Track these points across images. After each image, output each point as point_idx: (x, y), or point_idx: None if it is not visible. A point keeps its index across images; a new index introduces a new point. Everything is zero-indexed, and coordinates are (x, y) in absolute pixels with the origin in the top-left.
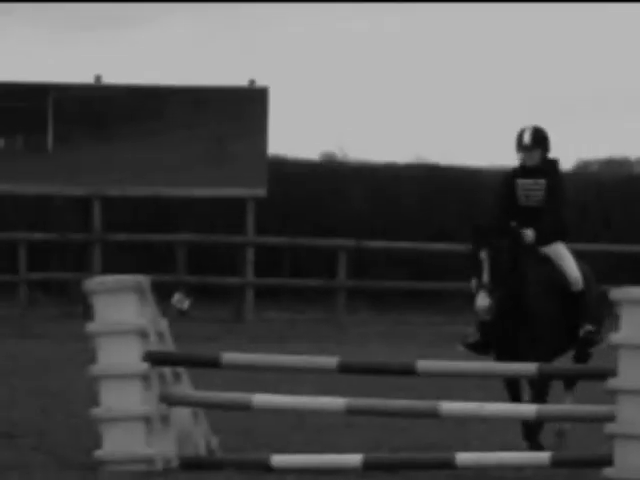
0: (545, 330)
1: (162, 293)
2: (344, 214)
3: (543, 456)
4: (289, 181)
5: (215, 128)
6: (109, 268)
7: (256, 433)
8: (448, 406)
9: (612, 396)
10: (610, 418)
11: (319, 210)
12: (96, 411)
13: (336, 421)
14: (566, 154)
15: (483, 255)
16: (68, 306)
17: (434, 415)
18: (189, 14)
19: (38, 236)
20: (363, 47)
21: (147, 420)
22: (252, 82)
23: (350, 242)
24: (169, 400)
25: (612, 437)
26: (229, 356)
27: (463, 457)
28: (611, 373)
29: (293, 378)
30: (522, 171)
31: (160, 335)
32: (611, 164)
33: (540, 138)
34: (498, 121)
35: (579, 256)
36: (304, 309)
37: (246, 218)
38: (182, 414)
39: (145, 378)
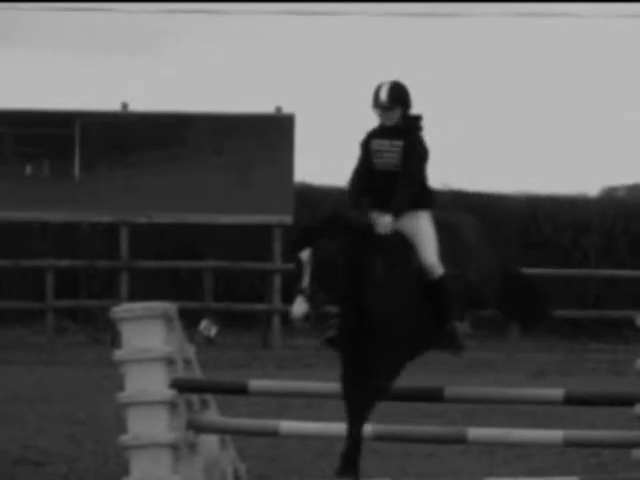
0: (394, 341)
1: (189, 320)
2: None
3: None
4: (315, 208)
5: (241, 155)
6: (136, 295)
7: (283, 460)
8: (475, 432)
9: (639, 422)
10: (637, 444)
11: None
12: (124, 438)
13: (363, 447)
14: (592, 180)
15: (304, 256)
16: (95, 333)
17: (461, 441)
18: (215, 41)
19: (65, 263)
20: (388, 73)
21: (174, 447)
22: (279, 109)
23: None
24: (196, 427)
25: (639, 463)
26: (256, 383)
27: None
28: (638, 399)
29: (320, 404)
30: (379, 131)
31: (187, 362)
32: (638, 189)
33: (399, 95)
34: (523, 147)
35: (609, 282)
36: None
37: (273, 245)
38: (209, 441)
39: (172, 405)
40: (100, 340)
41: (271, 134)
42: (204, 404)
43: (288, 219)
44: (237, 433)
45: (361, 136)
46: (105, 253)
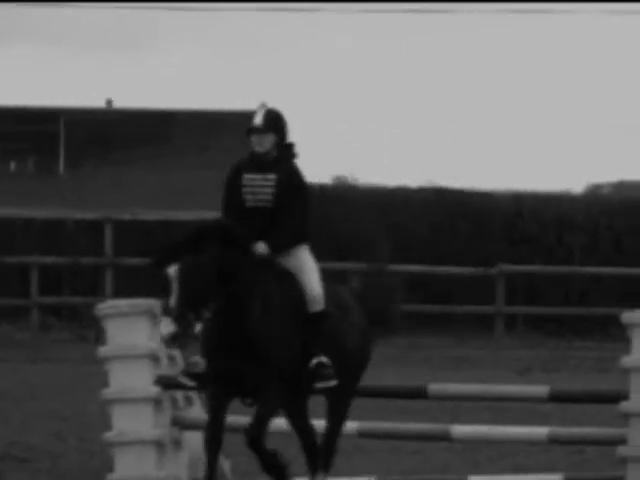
0: (276, 361)
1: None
2: (355, 238)
3: (555, 479)
4: None
5: (227, 152)
6: (121, 292)
7: None
8: (459, 429)
9: (624, 419)
10: (622, 441)
11: (330, 234)
12: (108, 435)
13: (348, 444)
14: (577, 177)
15: (172, 273)
16: (80, 330)
17: (445, 438)
18: (200, 37)
19: (50, 260)
20: (374, 71)
21: (159, 444)
22: (263, 106)
23: (362, 266)
24: (181, 424)
25: (624, 460)
26: None
27: None
28: (623, 396)
29: None
30: (250, 163)
31: (172, 359)
32: (622, 187)
33: (274, 121)
34: (508, 144)
35: (594, 280)
36: None
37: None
38: (194, 438)
39: (157, 402)
40: (85, 337)
41: None
42: (188, 401)
43: None
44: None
45: (343, 133)
46: (90, 250)
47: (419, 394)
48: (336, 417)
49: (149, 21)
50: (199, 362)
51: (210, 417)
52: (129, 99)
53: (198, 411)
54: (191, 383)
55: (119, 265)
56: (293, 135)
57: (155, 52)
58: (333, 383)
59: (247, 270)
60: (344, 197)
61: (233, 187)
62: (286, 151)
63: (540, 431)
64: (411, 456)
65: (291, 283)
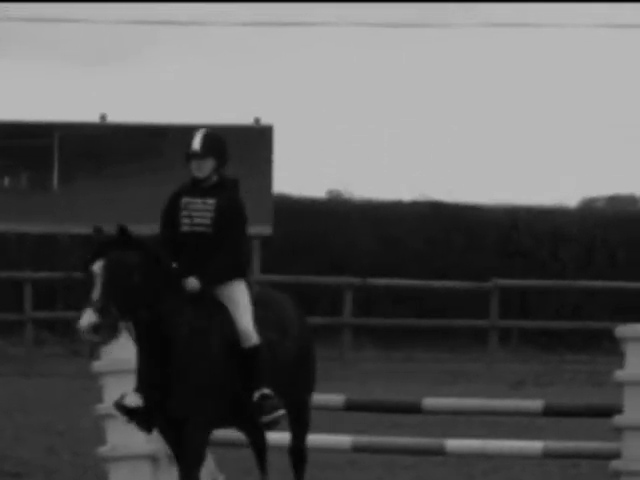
0: (202, 391)
1: None
2: (350, 252)
3: None
4: (294, 219)
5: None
6: None
7: None
8: (453, 443)
9: (618, 433)
10: (616, 455)
11: (324, 248)
12: (102, 450)
13: (342, 458)
14: (572, 191)
15: (96, 268)
16: (74, 345)
17: (439, 452)
18: (194, 52)
19: (43, 275)
20: (367, 85)
21: (153, 458)
22: (257, 120)
23: (355, 280)
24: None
25: (617, 474)
26: None
27: None
28: (617, 410)
29: None
30: (190, 188)
31: None
32: (616, 201)
33: (214, 145)
34: (501, 158)
35: (588, 293)
36: None
37: (252, 256)
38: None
39: None
40: (78, 352)
41: (250, 145)
42: None
43: (267, 230)
44: (216, 444)
45: (336, 147)
46: (83, 265)
47: (413, 408)
48: (299, 430)
49: (143, 36)
50: (129, 395)
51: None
52: (123, 114)
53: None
54: (124, 417)
55: None
56: (289, 149)
57: (149, 67)
58: (280, 413)
59: (175, 298)
60: (338, 211)
61: (171, 211)
62: (229, 182)
63: (534, 445)
64: (405, 471)
65: (223, 317)
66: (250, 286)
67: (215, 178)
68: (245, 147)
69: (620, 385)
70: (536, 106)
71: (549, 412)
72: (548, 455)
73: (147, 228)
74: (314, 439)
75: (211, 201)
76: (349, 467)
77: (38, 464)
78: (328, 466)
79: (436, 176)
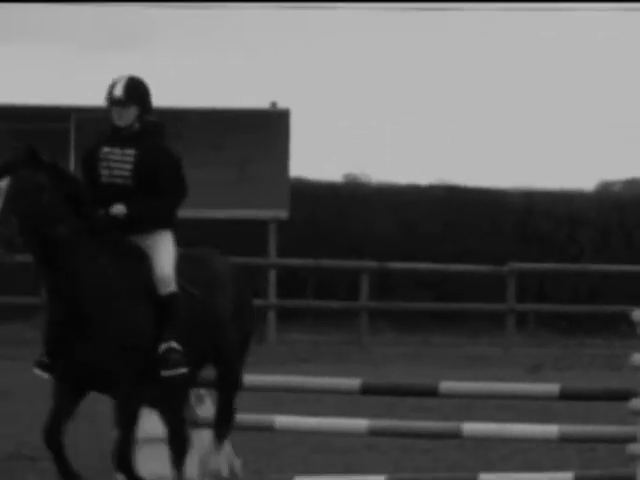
0: (118, 348)
1: None
2: (366, 235)
3: (566, 476)
4: (311, 203)
5: (237, 150)
6: None
7: (279, 455)
8: (470, 427)
9: (635, 417)
10: (632, 439)
11: (341, 232)
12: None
13: (358, 442)
14: (589, 175)
15: (2, 185)
16: None
17: (456, 436)
18: (211, 35)
19: None
20: (385, 68)
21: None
22: (274, 104)
23: (373, 264)
24: (192, 422)
25: (634, 458)
26: (251, 378)
27: (486, 478)
28: (634, 394)
29: (316, 400)
30: (111, 136)
31: None
32: (634, 184)
33: (137, 92)
34: (518, 142)
35: (605, 277)
36: (327, 331)
37: (268, 240)
38: (204, 436)
39: None
40: None
41: (266, 129)
42: (199, 399)
43: (284, 214)
44: (233, 428)
45: (353, 131)
46: None
47: (430, 392)
48: (227, 389)
49: (160, 19)
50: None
51: (49, 416)
52: None
53: (209, 409)
54: (45, 375)
55: None
56: (306, 133)
57: (166, 50)
58: (182, 370)
59: (87, 238)
60: (355, 195)
61: (90, 162)
62: (152, 127)
63: (551, 429)
64: (422, 454)
65: (140, 262)
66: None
67: (137, 126)
68: (262, 131)
69: (637, 369)
70: (554, 90)
71: (566, 396)
72: (565, 439)
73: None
74: (331, 423)
75: (130, 151)
76: (366, 451)
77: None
78: (345, 450)
79: (453, 160)
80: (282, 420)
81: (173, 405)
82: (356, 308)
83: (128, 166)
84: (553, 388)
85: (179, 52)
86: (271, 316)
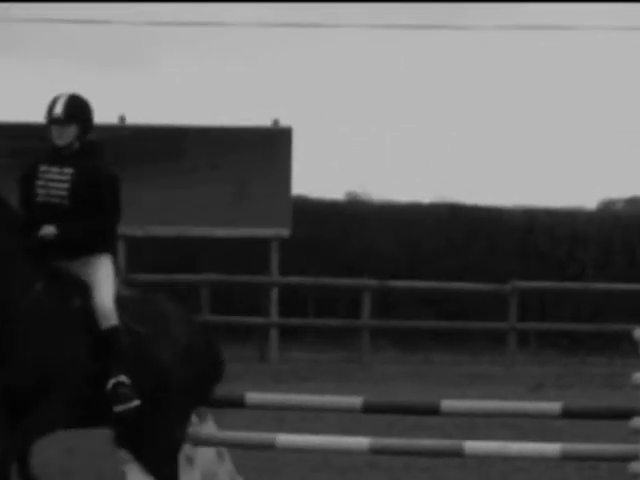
0: (37, 378)
1: None
2: (368, 254)
3: None
4: (313, 221)
5: (239, 168)
6: None
7: (280, 473)
8: (472, 445)
9: (636, 435)
10: (634, 457)
11: (343, 250)
12: (121, 452)
13: (360, 461)
14: (590, 193)
15: None
16: None
17: (458, 454)
18: (213, 53)
19: None
20: (386, 87)
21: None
22: (276, 122)
23: (374, 282)
24: (194, 440)
25: (636, 476)
26: (253, 396)
27: None
28: (635, 412)
29: (317, 418)
30: (50, 155)
31: None
32: (635, 203)
33: (77, 110)
34: (520, 160)
35: (607, 295)
36: (328, 349)
37: (270, 258)
38: (207, 454)
39: None
40: None
41: (269, 147)
42: (201, 417)
43: (285, 232)
44: (234, 446)
45: (355, 149)
46: None
47: (432, 410)
48: (159, 447)
49: (162, 37)
50: None
51: None
52: (142, 115)
53: (211, 427)
54: None
55: (131, 281)
56: (306, 151)
57: (167, 68)
58: (135, 403)
59: (24, 262)
60: (357, 213)
61: (27, 180)
62: (91, 146)
63: (553, 447)
64: (423, 472)
65: (78, 292)
66: (117, 267)
67: (77, 145)
68: (264, 149)
69: (639, 387)
70: (555, 108)
71: (567, 414)
72: (567, 457)
73: (167, 229)
74: (332, 441)
75: (68, 170)
76: (368, 469)
77: (56, 466)
78: (346, 468)
79: (455, 178)
80: (283, 438)
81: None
82: (357, 326)
83: (65, 185)
84: (555, 406)
85: (181, 69)
86: (273, 334)
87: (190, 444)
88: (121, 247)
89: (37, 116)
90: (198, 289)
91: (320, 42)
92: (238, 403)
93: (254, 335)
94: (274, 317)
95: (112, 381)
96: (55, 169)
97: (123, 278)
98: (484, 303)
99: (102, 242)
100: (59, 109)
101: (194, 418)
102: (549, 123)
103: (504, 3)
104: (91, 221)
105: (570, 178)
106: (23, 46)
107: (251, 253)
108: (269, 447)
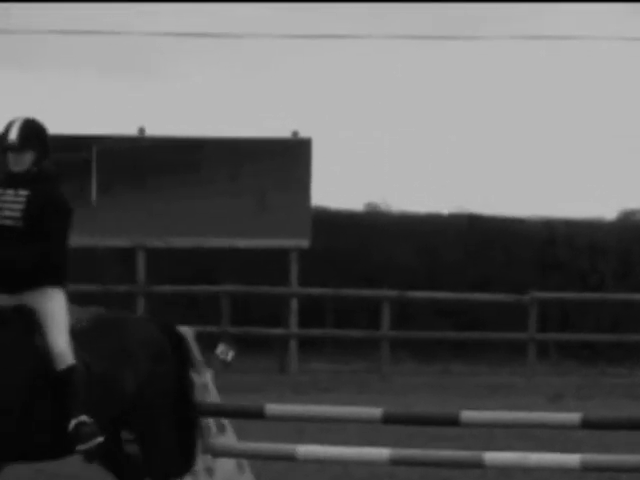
0: None
1: (206, 344)
2: (387, 265)
3: None
4: (332, 232)
5: (259, 179)
6: None
7: None
8: (492, 456)
9: None
10: None
11: (362, 261)
12: None
13: (380, 472)
14: (610, 203)
15: None
16: None
17: (478, 465)
18: (232, 64)
19: (82, 288)
20: (405, 98)
21: (192, 472)
22: (295, 133)
23: (393, 293)
24: (213, 451)
25: None
26: (273, 407)
27: None
28: None
29: (337, 429)
30: (6, 178)
31: (204, 386)
32: None
33: (33, 136)
34: (539, 171)
35: (627, 306)
36: (348, 360)
37: (289, 269)
38: (227, 465)
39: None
40: None
41: (288, 158)
42: (221, 428)
43: (305, 243)
44: (254, 457)
45: (375, 160)
46: (122, 278)
47: (452, 421)
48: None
49: (181, 48)
50: None
51: None
52: (161, 127)
53: (231, 438)
54: None
55: (151, 292)
56: (326, 162)
57: (187, 80)
58: (98, 440)
59: None
60: (376, 224)
61: None
62: (47, 171)
63: (573, 458)
64: None
65: (30, 333)
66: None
67: (34, 170)
68: (283, 160)
69: None
70: (575, 118)
71: (587, 425)
72: (586, 468)
73: (186, 241)
74: (352, 452)
75: (24, 192)
76: None
77: (71, 475)
78: (367, 479)
79: (474, 189)
80: (304, 449)
81: None
82: (377, 337)
83: (20, 206)
84: (574, 417)
85: (200, 81)
86: (293, 345)
87: (210, 455)
88: (141, 258)
89: (58, 127)
90: (218, 300)
91: (340, 53)
92: (258, 414)
93: (274, 346)
94: (294, 328)
95: (73, 422)
96: (10, 191)
97: (142, 289)
98: (503, 314)
99: (51, 272)
100: (14, 135)
101: (214, 429)
102: (569, 133)
103: (521, 13)
104: (36, 249)
105: (589, 188)
106: (42, 58)
107: (271, 264)
108: (289, 458)
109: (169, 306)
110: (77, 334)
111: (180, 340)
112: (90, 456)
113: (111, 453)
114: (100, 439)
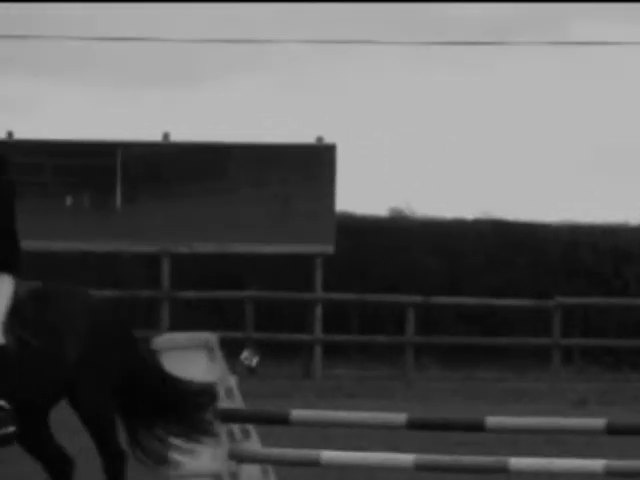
0: None
1: (230, 350)
2: (412, 270)
3: None
4: (357, 237)
5: (283, 185)
6: (177, 325)
7: None
8: (517, 462)
9: None
10: None
11: (387, 266)
12: (164, 468)
13: (405, 477)
14: (633, 208)
15: None
16: None
17: (503, 471)
18: (256, 70)
19: (106, 294)
20: (428, 103)
21: (217, 477)
22: (320, 139)
23: (418, 298)
24: (238, 457)
25: None
26: (298, 412)
27: None
28: None
29: (361, 434)
30: None
31: (229, 392)
32: None
33: None
34: (563, 176)
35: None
36: (372, 365)
37: (314, 275)
38: (251, 471)
39: (214, 435)
40: None
41: (312, 164)
42: (246, 434)
43: (329, 249)
44: (279, 463)
45: (399, 165)
46: (146, 283)
47: (477, 427)
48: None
49: (206, 55)
50: None
51: None
52: (186, 133)
53: (255, 444)
54: None
55: (176, 298)
56: (350, 167)
57: (212, 86)
58: (11, 429)
59: None
60: (400, 229)
61: None
62: None
63: (597, 464)
64: None
65: None
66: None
67: None
68: (308, 166)
69: None
70: (599, 123)
71: (611, 430)
72: (611, 473)
73: (211, 246)
74: (377, 457)
75: None
76: None
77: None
78: None
79: (498, 194)
80: (328, 455)
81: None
82: (402, 343)
83: None
84: (599, 422)
85: (225, 87)
86: (317, 351)
87: (235, 461)
88: (165, 264)
89: (83, 133)
90: (242, 306)
91: (364, 59)
92: (283, 420)
93: (298, 352)
94: (318, 334)
95: None
96: None
97: (167, 294)
98: (528, 319)
99: (4, 260)
100: None
101: (239, 435)
102: (592, 138)
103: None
104: None
105: (613, 193)
106: (67, 65)
107: (295, 270)
108: (314, 464)
109: (193, 312)
110: (16, 309)
111: (120, 316)
112: (4, 442)
113: (38, 440)
114: (12, 429)
